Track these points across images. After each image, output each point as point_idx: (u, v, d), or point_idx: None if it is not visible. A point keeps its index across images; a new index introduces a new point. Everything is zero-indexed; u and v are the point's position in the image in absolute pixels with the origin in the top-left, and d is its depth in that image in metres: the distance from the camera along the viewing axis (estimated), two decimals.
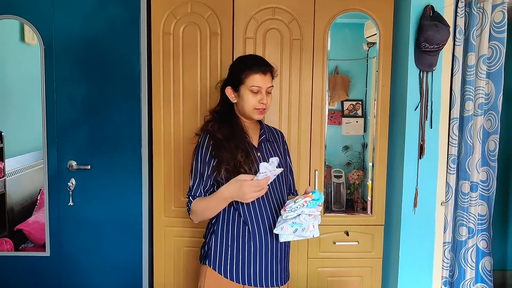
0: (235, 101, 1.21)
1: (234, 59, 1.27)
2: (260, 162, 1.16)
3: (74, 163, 1.68)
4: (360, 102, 2.11)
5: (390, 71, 1.66)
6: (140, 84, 1.67)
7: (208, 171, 1.16)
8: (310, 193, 1.07)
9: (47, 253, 1.71)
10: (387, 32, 1.64)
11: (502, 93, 1.61)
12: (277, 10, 1.62)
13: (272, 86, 1.21)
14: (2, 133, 1.75)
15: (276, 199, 1.20)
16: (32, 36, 1.70)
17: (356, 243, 1.69)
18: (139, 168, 1.69)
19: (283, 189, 1.25)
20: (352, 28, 1.95)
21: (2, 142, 1.74)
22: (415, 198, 1.58)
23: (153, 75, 1.64)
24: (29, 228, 1.74)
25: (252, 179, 1.05)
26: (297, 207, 1.06)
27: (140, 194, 1.70)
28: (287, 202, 1.09)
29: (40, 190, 1.80)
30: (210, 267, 1.17)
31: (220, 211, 1.18)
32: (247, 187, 1.04)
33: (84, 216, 1.70)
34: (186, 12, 1.62)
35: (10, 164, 1.77)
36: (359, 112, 2.09)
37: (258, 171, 1.06)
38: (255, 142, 1.24)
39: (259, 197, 1.12)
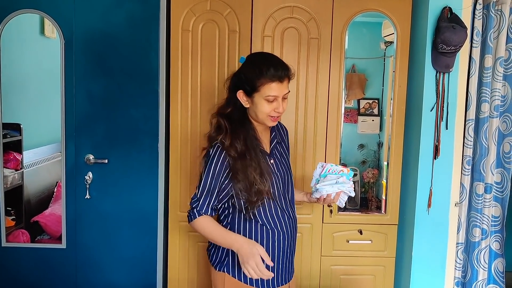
0: (247, 106, 1.24)
1: (244, 67, 1.26)
2: (273, 170, 1.27)
3: (91, 156, 1.89)
4: (376, 101, 2.30)
5: (407, 71, 1.85)
6: (158, 80, 1.87)
7: (218, 188, 1.23)
8: (349, 169, 1.33)
9: (63, 245, 1.92)
10: (405, 33, 1.82)
11: None
12: (295, 9, 1.81)
13: (289, 91, 1.24)
14: (21, 126, 1.95)
15: (288, 199, 1.34)
16: (51, 30, 1.90)
17: (369, 242, 1.89)
18: (155, 163, 1.89)
19: (292, 189, 1.37)
20: (369, 26, 2.14)
21: (20, 134, 1.95)
22: (429, 199, 1.77)
23: (171, 72, 1.84)
24: (45, 220, 1.95)
25: (264, 258, 1.17)
26: (335, 170, 1.32)
27: (156, 189, 1.91)
28: (323, 163, 1.34)
29: (57, 182, 2.01)
30: (229, 274, 1.25)
31: (235, 219, 1.26)
32: (252, 260, 1.14)
33: (100, 210, 1.91)
34: (205, 9, 1.81)
35: (27, 156, 1.98)
36: (375, 111, 2.28)
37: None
38: (266, 147, 1.31)
39: (275, 201, 1.25)
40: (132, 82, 1.88)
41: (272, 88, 1.20)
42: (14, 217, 1.95)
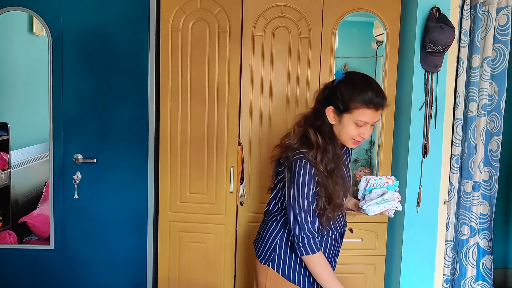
0: (333, 123, 1.22)
1: (341, 83, 1.20)
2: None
3: (80, 156, 1.88)
4: None
5: (396, 71, 1.88)
6: (148, 79, 1.88)
7: (314, 205, 1.21)
8: (393, 179, 1.32)
9: (51, 246, 1.91)
10: (394, 33, 1.86)
11: (505, 94, 1.84)
12: (285, 8, 1.83)
13: (379, 119, 1.23)
14: (8, 125, 1.95)
15: (344, 210, 1.36)
16: (40, 28, 1.90)
17: (359, 240, 1.91)
18: (145, 162, 1.90)
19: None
20: (361, 26, 2.16)
21: (7, 134, 1.94)
22: (419, 197, 1.80)
23: (161, 71, 1.85)
24: (33, 221, 1.94)
25: None
26: (379, 183, 1.32)
27: (145, 188, 1.91)
28: (367, 177, 1.32)
29: (46, 182, 2.00)
30: (274, 269, 1.29)
31: (284, 226, 1.27)
32: None
33: (89, 210, 1.91)
34: (195, 8, 1.83)
35: (15, 156, 1.97)
36: None
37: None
38: None
39: (339, 210, 1.26)
40: (121, 81, 1.88)
41: (366, 114, 1.16)
42: (1, 218, 1.94)
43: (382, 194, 1.32)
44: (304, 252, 1.20)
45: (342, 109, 1.18)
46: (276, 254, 1.29)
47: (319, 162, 1.18)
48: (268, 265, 1.30)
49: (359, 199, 1.40)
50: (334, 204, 1.21)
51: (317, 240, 1.21)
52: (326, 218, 1.23)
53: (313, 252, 1.20)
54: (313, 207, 1.20)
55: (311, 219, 1.20)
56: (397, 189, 1.34)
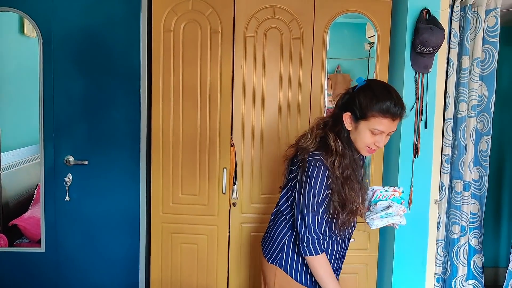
0: (350, 129, 1.23)
1: (361, 90, 1.19)
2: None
3: (71, 158, 1.88)
4: None
5: (387, 72, 1.90)
6: (140, 80, 1.88)
7: (323, 207, 1.22)
8: (400, 191, 1.30)
9: (42, 249, 1.90)
10: (385, 34, 1.87)
11: (494, 95, 1.86)
12: (277, 9, 1.84)
13: (396, 130, 1.21)
14: None
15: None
16: (31, 29, 1.89)
17: (352, 240, 1.90)
18: (137, 164, 1.90)
19: None
20: (354, 27, 2.18)
21: None
22: (410, 197, 1.82)
23: (153, 72, 1.85)
24: (24, 224, 1.93)
25: None
26: (385, 196, 1.30)
27: (137, 190, 1.91)
28: (374, 188, 1.31)
29: (37, 185, 1.99)
30: (281, 269, 1.30)
31: (292, 227, 1.28)
32: None
33: (80, 212, 1.90)
34: (187, 9, 1.83)
35: (6, 158, 1.96)
36: None
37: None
38: None
39: (355, 216, 1.26)
40: (113, 82, 1.88)
41: (382, 123, 1.17)
42: None
43: (388, 207, 1.30)
44: (308, 253, 1.21)
45: (359, 116, 1.18)
46: (284, 254, 1.30)
47: (337, 168, 1.18)
48: (276, 265, 1.31)
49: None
50: (350, 210, 1.22)
51: (321, 242, 1.22)
52: (340, 223, 1.23)
53: (317, 253, 1.21)
54: (321, 209, 1.21)
55: (319, 220, 1.20)
56: (403, 202, 1.33)
